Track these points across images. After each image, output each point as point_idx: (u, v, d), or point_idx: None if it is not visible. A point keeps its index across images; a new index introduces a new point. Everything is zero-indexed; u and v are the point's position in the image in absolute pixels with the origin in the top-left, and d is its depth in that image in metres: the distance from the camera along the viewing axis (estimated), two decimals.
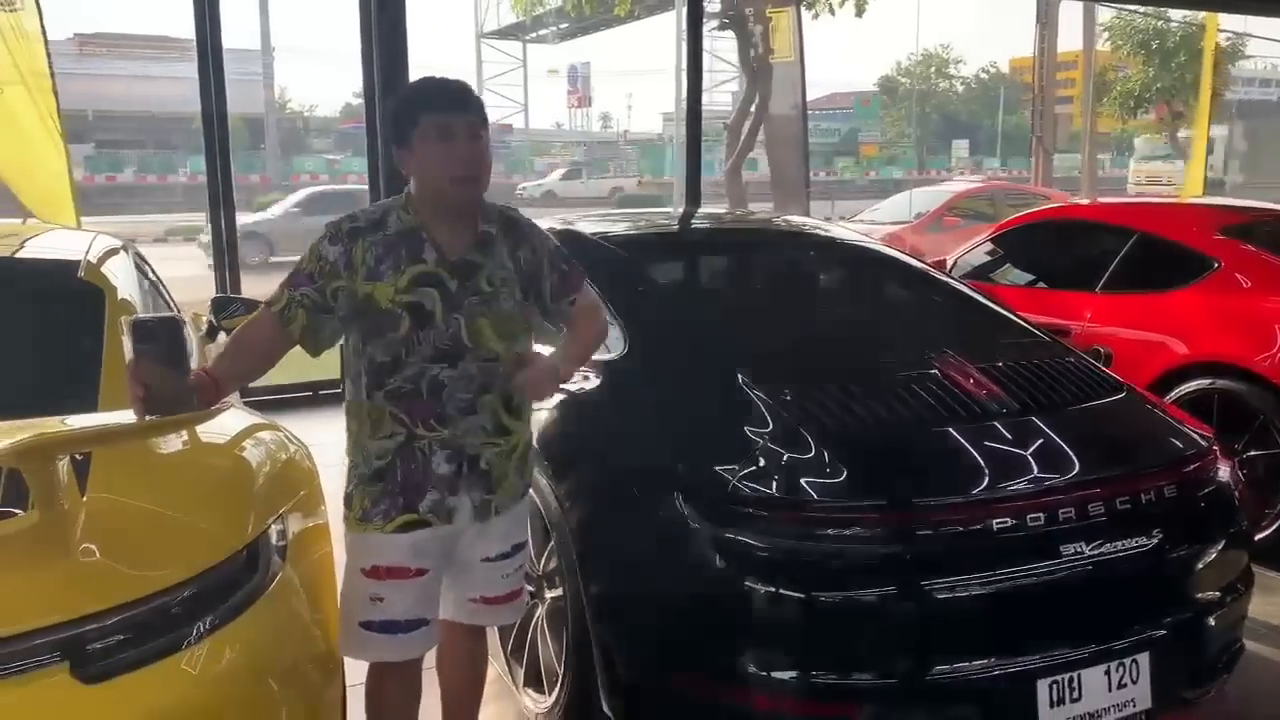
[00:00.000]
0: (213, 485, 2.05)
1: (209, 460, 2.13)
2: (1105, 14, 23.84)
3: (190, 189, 28.49)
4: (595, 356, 2.82)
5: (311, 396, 6.25)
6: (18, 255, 3.07)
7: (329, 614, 2.15)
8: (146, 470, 1.93)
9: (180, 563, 1.72)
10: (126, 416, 1.83)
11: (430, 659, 2.27)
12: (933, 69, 52.83)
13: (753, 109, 13.75)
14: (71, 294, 2.52)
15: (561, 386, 2.76)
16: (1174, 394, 4.08)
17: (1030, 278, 5.22)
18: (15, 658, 1.52)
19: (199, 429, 2.11)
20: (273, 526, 1.97)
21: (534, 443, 2.31)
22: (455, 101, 1.99)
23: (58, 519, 1.62)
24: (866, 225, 13.97)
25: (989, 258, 5.44)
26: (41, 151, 6.64)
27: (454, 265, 2.02)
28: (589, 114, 49.18)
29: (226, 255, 6.45)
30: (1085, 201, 6.73)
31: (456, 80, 2.04)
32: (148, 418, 1.76)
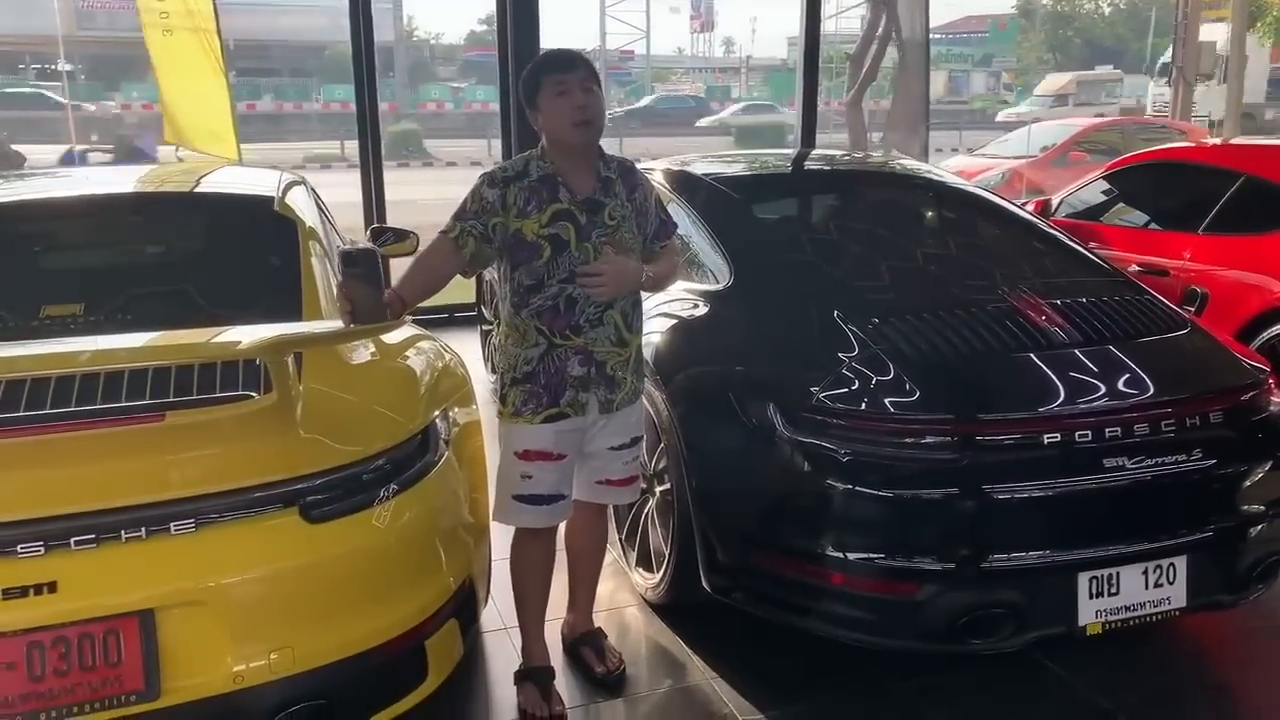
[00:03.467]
0: (395, 381, 2.56)
1: (390, 363, 2.62)
2: None
3: (325, 117, 29.66)
4: (703, 286, 3.23)
5: (448, 319, 6.81)
6: (218, 190, 3.63)
7: (481, 493, 2.65)
8: (345, 368, 2.44)
9: (373, 440, 2.22)
10: (332, 325, 2.31)
11: (561, 544, 2.74)
12: None
13: (877, 36, 13.61)
14: (270, 224, 3.03)
15: (672, 312, 3.18)
16: (1264, 336, 4.21)
17: (1135, 218, 5.32)
18: (260, 502, 2.04)
19: (380, 338, 2.61)
20: (439, 418, 2.47)
21: (646, 358, 2.73)
22: (568, 63, 2.43)
23: (288, 400, 2.13)
24: (989, 159, 13.73)
25: (1097, 197, 5.55)
26: (207, 88, 7.18)
27: (582, 203, 2.44)
28: (710, 39, 48.63)
29: (374, 181, 6.77)
30: (1210, 143, 6.65)
31: (569, 49, 2.49)
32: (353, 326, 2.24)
